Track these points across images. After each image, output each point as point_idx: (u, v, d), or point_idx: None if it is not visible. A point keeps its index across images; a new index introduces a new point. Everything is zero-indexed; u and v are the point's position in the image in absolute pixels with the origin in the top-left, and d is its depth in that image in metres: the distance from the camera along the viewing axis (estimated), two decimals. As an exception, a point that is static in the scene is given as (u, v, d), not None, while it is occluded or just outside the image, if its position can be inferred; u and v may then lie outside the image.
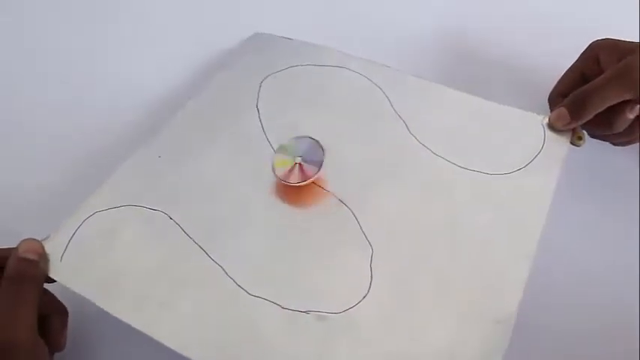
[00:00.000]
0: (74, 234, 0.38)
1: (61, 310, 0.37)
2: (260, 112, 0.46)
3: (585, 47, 0.45)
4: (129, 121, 0.50)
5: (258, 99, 0.47)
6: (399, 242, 0.37)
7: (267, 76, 0.48)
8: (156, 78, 0.54)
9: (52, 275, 0.36)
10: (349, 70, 0.48)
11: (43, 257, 0.36)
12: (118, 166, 0.42)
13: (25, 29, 0.59)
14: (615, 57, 0.42)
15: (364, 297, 0.35)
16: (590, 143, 0.43)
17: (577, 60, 0.45)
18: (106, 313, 0.34)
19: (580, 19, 0.55)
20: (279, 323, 0.34)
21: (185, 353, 0.33)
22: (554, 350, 0.38)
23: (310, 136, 0.41)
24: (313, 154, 0.40)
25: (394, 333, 0.34)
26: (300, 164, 0.40)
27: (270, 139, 0.43)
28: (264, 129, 0.44)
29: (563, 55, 0.46)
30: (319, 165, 0.39)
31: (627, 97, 0.40)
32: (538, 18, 0.58)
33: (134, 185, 0.41)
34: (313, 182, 0.39)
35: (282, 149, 0.41)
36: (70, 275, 0.36)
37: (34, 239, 0.36)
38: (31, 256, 0.35)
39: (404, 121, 0.44)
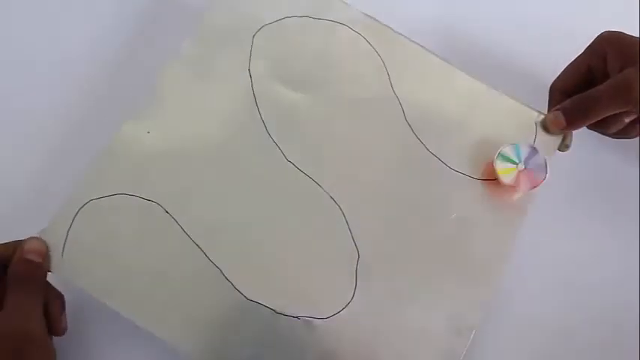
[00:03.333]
0: (71, 225, 0.38)
1: (57, 296, 0.38)
2: (252, 79, 0.43)
3: (593, 40, 0.43)
4: (102, 84, 0.46)
5: (250, 59, 0.43)
6: (385, 248, 0.40)
7: (260, 28, 0.44)
8: (126, 27, 0.47)
9: (54, 272, 0.38)
10: (350, 29, 0.44)
11: (47, 257, 0.37)
12: (103, 145, 0.40)
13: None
14: (622, 60, 0.41)
15: (348, 303, 0.39)
16: (590, 145, 0.43)
17: (583, 53, 0.44)
18: (106, 314, 0.37)
19: (582, 16, 0.51)
20: (272, 328, 0.38)
21: (182, 349, 0.37)
22: (553, 351, 0.41)
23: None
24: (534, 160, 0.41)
25: (376, 339, 0.39)
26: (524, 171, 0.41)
27: (264, 118, 0.42)
28: (258, 104, 0.42)
29: (561, 50, 0.44)
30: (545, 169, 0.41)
31: (626, 109, 0.41)
32: (539, 14, 0.53)
33: (126, 168, 0.40)
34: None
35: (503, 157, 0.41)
36: (72, 272, 0.38)
37: (38, 239, 0.37)
38: (35, 258, 0.36)
39: (402, 105, 0.43)
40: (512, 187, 0.41)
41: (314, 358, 0.38)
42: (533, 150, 0.41)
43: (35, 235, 0.37)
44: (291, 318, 0.38)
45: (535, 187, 0.41)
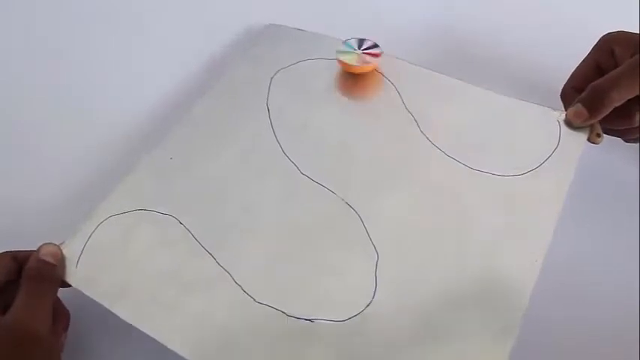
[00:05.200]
0: (89, 239, 0.39)
1: (64, 313, 0.38)
2: (270, 110, 0.45)
3: (597, 41, 0.43)
4: (140, 122, 0.50)
5: (268, 96, 0.46)
6: (406, 249, 0.37)
7: (277, 71, 0.48)
8: (164, 76, 0.53)
9: (67, 280, 0.37)
10: (361, 62, 0.47)
11: (61, 262, 0.38)
12: (130, 168, 0.43)
13: (24, 35, 0.57)
14: (631, 50, 0.41)
15: (368, 305, 0.35)
16: (590, 145, 0.42)
17: (590, 53, 0.43)
18: (106, 316, 0.36)
19: (578, 15, 0.53)
20: (283, 331, 0.35)
21: (191, 356, 0.34)
22: (553, 351, 0.38)
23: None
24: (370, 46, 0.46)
25: (398, 341, 0.34)
26: (364, 53, 0.46)
27: (279, 139, 0.43)
28: (274, 128, 0.44)
29: (562, 50, 0.45)
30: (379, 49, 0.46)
31: None
32: (537, 12, 0.56)
33: (146, 189, 0.42)
34: (375, 70, 0.46)
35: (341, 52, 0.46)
36: (85, 281, 0.37)
37: (54, 244, 0.38)
38: (51, 260, 0.37)
39: (415, 118, 0.43)
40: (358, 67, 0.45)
41: (329, 360, 0.33)
42: (361, 40, 0.47)
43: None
44: (303, 321, 0.35)
45: (377, 56, 0.46)
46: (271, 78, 0.48)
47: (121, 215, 0.40)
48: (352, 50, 0.46)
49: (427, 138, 0.42)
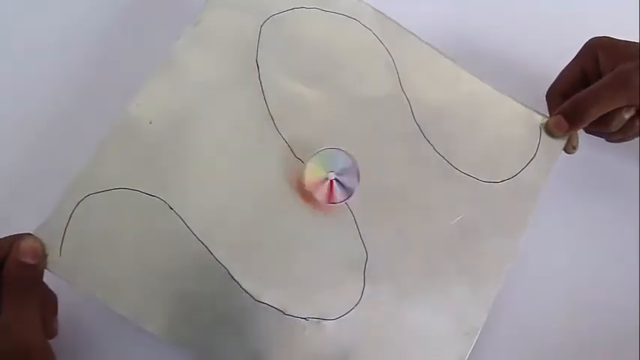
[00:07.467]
0: (69, 221, 0.36)
1: (50, 297, 0.37)
2: (260, 70, 0.41)
3: (583, 45, 0.44)
4: (99, 68, 0.43)
5: (257, 50, 0.42)
6: (393, 249, 0.40)
7: (268, 18, 0.42)
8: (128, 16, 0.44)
9: (52, 270, 0.35)
10: (361, 24, 0.43)
11: (42, 255, 0.35)
12: (102, 133, 0.38)
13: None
14: (614, 59, 0.42)
15: (356, 304, 0.39)
16: (590, 145, 0.43)
17: (575, 58, 0.45)
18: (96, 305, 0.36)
19: (577, 14, 0.52)
20: (280, 329, 0.37)
21: (186, 349, 0.36)
22: (553, 351, 0.42)
23: (348, 152, 0.39)
24: (347, 177, 0.39)
25: (381, 341, 0.38)
26: (332, 182, 0.39)
27: (271, 110, 0.41)
28: (265, 94, 0.41)
29: (556, 50, 0.45)
30: (350, 192, 0.39)
31: (624, 104, 0.41)
32: (533, 13, 0.54)
33: (126, 161, 0.38)
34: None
35: (317, 158, 0.39)
36: (70, 271, 0.36)
37: (33, 237, 0.35)
38: (30, 260, 0.34)
39: (410, 103, 0.43)
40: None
41: (322, 358, 0.37)
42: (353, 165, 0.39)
43: (31, 233, 0.35)
44: (298, 319, 0.38)
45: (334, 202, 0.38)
46: (261, 26, 0.42)
47: (100, 194, 0.37)
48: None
49: (420, 130, 0.42)
